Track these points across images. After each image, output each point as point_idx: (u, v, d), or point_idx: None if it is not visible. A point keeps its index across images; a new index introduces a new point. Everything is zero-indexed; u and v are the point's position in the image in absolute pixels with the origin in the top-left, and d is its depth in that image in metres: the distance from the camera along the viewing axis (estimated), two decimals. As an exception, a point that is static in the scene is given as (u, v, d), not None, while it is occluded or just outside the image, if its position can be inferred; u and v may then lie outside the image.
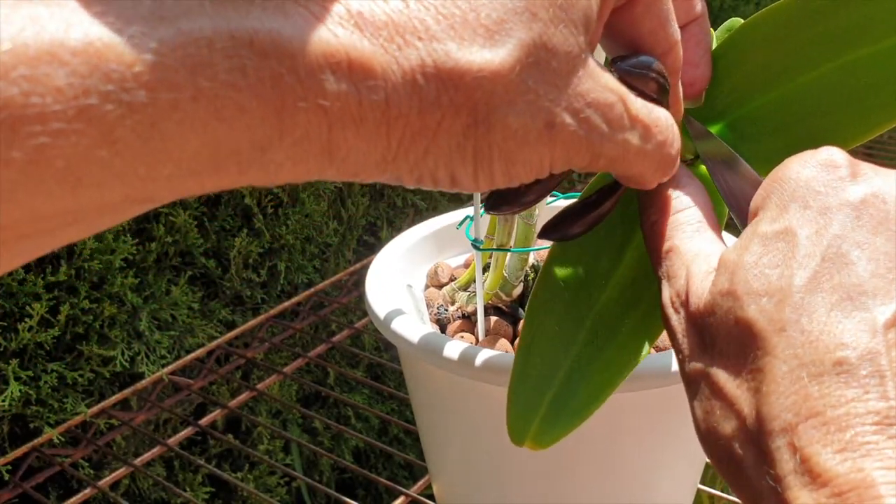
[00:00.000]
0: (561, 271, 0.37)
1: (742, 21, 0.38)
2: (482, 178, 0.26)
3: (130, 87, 0.20)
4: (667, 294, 0.30)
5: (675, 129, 0.31)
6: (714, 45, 0.38)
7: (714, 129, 0.37)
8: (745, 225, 0.31)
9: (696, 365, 0.28)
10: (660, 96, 0.31)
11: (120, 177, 0.20)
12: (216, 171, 0.22)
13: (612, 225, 0.37)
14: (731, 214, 0.34)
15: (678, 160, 0.32)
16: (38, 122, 0.19)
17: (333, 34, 0.23)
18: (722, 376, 0.26)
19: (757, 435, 0.24)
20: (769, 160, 0.33)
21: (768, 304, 0.25)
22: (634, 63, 0.30)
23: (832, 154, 0.28)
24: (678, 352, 0.29)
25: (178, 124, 0.21)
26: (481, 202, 0.49)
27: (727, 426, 0.26)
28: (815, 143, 0.29)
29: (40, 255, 0.22)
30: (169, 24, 0.21)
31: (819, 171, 0.28)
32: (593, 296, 0.36)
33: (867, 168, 0.28)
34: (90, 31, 0.20)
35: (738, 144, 0.37)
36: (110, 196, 0.21)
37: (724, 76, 0.37)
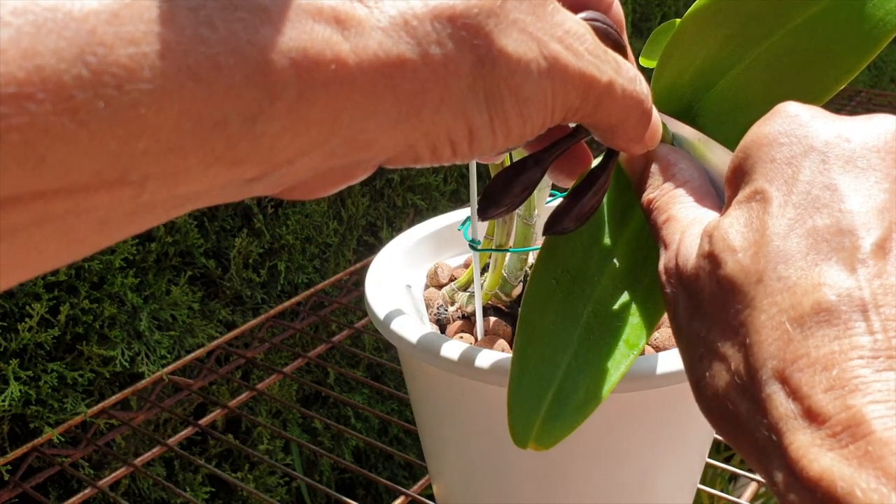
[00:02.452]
0: (552, 270, 0.37)
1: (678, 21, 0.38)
2: (499, 125, 0.26)
3: (85, 43, 0.18)
4: (662, 261, 0.31)
5: (641, 77, 0.31)
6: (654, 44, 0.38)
7: (688, 120, 0.38)
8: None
9: (689, 328, 0.28)
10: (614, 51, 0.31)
11: (88, 153, 0.18)
12: (201, 145, 0.20)
13: (602, 222, 0.37)
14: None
15: (654, 114, 0.32)
16: None
17: None
18: (710, 336, 0.27)
19: (749, 386, 0.25)
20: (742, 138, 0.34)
21: (744, 258, 0.26)
22: (585, 16, 0.30)
23: (788, 107, 0.28)
24: (672, 318, 0.30)
25: (148, 85, 0.19)
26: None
27: (719, 384, 0.26)
28: None
29: (12, 281, 0.19)
30: None
31: (779, 124, 0.28)
32: (586, 291, 0.36)
33: (826, 113, 0.28)
34: None
35: (712, 128, 0.37)
36: (80, 175, 0.19)
37: (684, 68, 0.38)
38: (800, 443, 0.22)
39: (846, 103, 1.52)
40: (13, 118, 0.17)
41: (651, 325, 0.36)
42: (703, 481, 0.63)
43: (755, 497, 0.75)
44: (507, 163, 0.48)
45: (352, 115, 0.22)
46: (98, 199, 0.19)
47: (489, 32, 0.24)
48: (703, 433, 0.50)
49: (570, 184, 0.36)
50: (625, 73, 0.29)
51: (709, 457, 0.55)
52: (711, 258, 0.27)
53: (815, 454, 0.22)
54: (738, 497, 0.61)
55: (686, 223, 0.31)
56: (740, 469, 0.66)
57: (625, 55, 0.31)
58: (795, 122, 0.27)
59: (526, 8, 0.26)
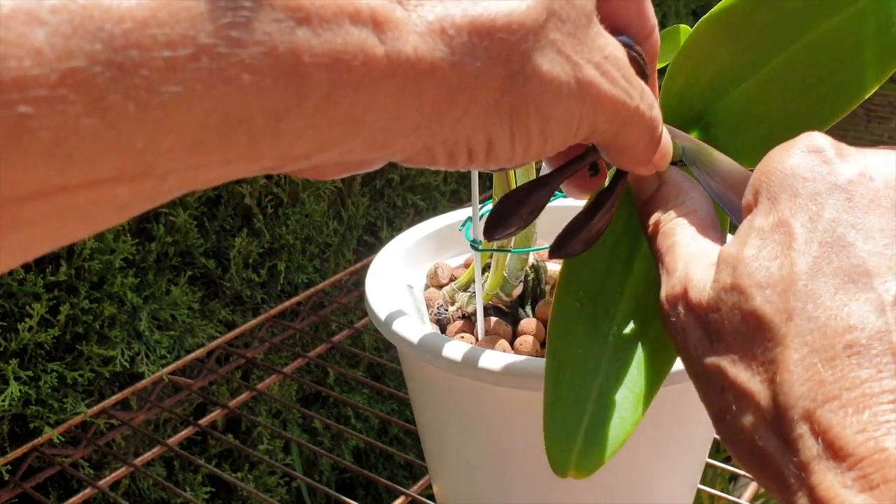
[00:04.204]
0: (574, 291, 0.36)
1: (687, 28, 0.38)
2: (519, 142, 0.26)
3: (120, 46, 0.18)
4: (665, 288, 0.30)
5: (657, 104, 0.31)
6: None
7: (696, 130, 0.37)
8: (738, 219, 0.32)
9: (706, 361, 0.28)
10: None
11: (115, 151, 0.18)
12: (224, 142, 0.20)
13: (617, 239, 0.37)
14: (726, 211, 0.34)
15: (665, 137, 0.32)
16: (16, 88, 0.17)
17: None
18: (733, 370, 0.26)
19: (777, 425, 0.25)
20: (754, 150, 0.33)
21: (773, 295, 0.25)
22: (619, 40, 0.30)
23: (813, 139, 0.28)
24: (682, 348, 0.29)
25: (179, 87, 0.19)
26: (479, 203, 0.49)
27: (746, 420, 0.26)
28: (795, 126, 0.29)
29: (33, 256, 0.20)
30: None
31: (803, 158, 0.28)
32: (610, 310, 0.36)
33: (850, 149, 0.28)
34: None
35: (721, 140, 0.37)
36: (105, 171, 0.19)
37: (696, 77, 0.37)
38: (829, 483, 0.22)
39: (846, 103, 1.52)
40: (45, 119, 0.17)
41: None
42: (703, 481, 0.63)
43: (755, 497, 0.75)
44: (512, 179, 0.49)
45: (375, 116, 0.22)
46: (120, 190, 0.19)
47: (526, 50, 0.24)
48: (703, 433, 0.50)
49: (583, 198, 0.36)
50: (646, 99, 0.29)
51: (709, 457, 0.55)
52: (737, 291, 0.27)
53: (846, 495, 0.22)
54: (738, 497, 0.61)
55: (690, 252, 0.30)
56: (740, 469, 0.66)
57: (646, 83, 0.31)
58: (820, 157, 0.27)
59: (567, 29, 0.25)
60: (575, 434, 0.34)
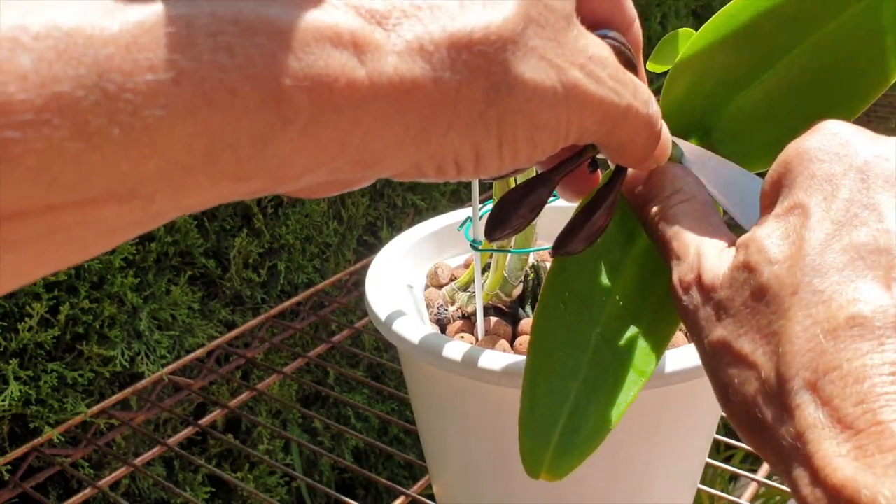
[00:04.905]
0: (560, 293, 0.36)
1: (691, 31, 0.37)
2: (507, 152, 0.26)
3: (104, 71, 0.18)
4: (676, 274, 0.31)
5: (654, 99, 0.31)
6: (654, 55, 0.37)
7: (698, 135, 0.37)
8: (743, 216, 0.32)
9: (715, 337, 0.28)
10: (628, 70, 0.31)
11: (100, 174, 0.19)
12: (211, 165, 0.20)
13: (608, 242, 0.36)
14: (728, 212, 0.34)
15: (664, 133, 0.32)
16: (1, 113, 0.17)
17: (326, 13, 0.21)
18: (738, 344, 0.27)
19: (778, 396, 0.25)
20: (762, 154, 0.33)
21: (780, 270, 0.26)
22: (601, 33, 0.30)
23: (829, 124, 0.28)
24: (694, 329, 0.30)
25: (162, 111, 0.19)
26: (479, 203, 0.49)
27: (748, 392, 0.26)
28: (806, 128, 0.29)
29: (25, 281, 0.20)
30: (141, 4, 0.19)
31: (818, 141, 0.28)
32: (594, 313, 0.36)
33: (867, 132, 0.28)
34: (55, 14, 0.18)
35: (727, 142, 0.36)
36: (90, 192, 0.19)
37: (697, 82, 0.37)
38: (825, 452, 0.22)
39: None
40: (30, 143, 0.17)
41: (660, 348, 0.35)
42: (703, 481, 0.63)
43: (755, 497, 0.75)
44: (512, 182, 0.48)
45: (361, 137, 0.23)
46: (107, 211, 0.20)
47: (505, 60, 0.24)
48: (704, 433, 0.50)
49: (578, 201, 0.36)
50: (640, 95, 0.29)
51: (709, 457, 0.55)
52: (747, 268, 0.27)
53: (840, 463, 0.22)
54: (738, 497, 0.61)
55: (699, 237, 0.31)
56: (740, 469, 0.66)
57: (636, 74, 0.31)
58: (836, 139, 0.28)
59: (547, 34, 0.25)
60: (549, 436, 0.34)
